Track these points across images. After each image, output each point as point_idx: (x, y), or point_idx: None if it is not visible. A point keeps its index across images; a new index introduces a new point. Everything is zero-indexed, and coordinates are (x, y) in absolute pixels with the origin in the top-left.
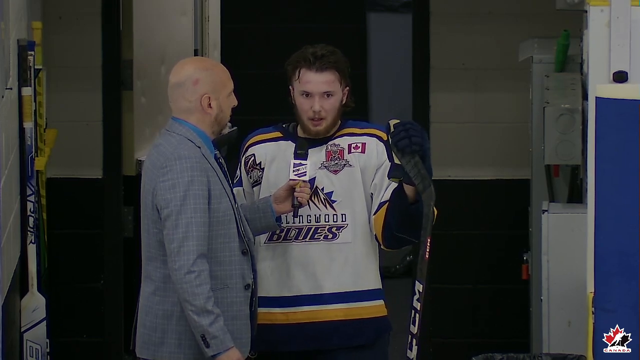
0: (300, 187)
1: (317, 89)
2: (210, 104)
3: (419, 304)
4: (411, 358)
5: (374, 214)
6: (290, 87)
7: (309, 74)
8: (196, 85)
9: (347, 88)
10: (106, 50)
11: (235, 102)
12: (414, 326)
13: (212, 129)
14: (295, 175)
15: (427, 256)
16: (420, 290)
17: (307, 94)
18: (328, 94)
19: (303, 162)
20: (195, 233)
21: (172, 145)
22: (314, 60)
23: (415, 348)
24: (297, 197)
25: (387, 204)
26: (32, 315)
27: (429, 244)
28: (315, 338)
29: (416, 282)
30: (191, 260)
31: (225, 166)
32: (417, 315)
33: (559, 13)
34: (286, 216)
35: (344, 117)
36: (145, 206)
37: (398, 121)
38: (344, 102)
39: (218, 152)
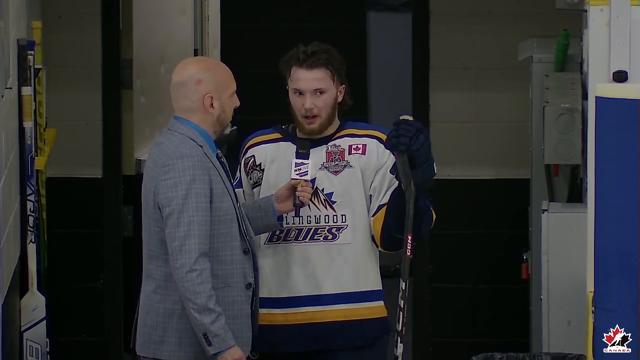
0: (302, 186)
1: (307, 86)
2: (212, 104)
3: (402, 301)
4: (397, 356)
5: (373, 215)
6: (287, 86)
7: (300, 71)
8: (199, 85)
9: (343, 86)
10: (106, 50)
11: (237, 103)
12: (399, 324)
13: (214, 128)
14: (297, 174)
15: (408, 253)
16: (404, 288)
17: (299, 92)
18: (320, 91)
19: (305, 161)
20: (197, 232)
21: (174, 144)
22: (305, 58)
23: (400, 346)
24: (298, 197)
25: (386, 206)
26: (32, 314)
27: (409, 242)
28: (315, 339)
29: (400, 280)
30: (193, 259)
31: (227, 165)
32: (401, 313)
33: (558, 13)
34: (286, 216)
35: (343, 117)
36: (147, 205)
37: (407, 118)
38: (339, 100)
39: (220, 151)
